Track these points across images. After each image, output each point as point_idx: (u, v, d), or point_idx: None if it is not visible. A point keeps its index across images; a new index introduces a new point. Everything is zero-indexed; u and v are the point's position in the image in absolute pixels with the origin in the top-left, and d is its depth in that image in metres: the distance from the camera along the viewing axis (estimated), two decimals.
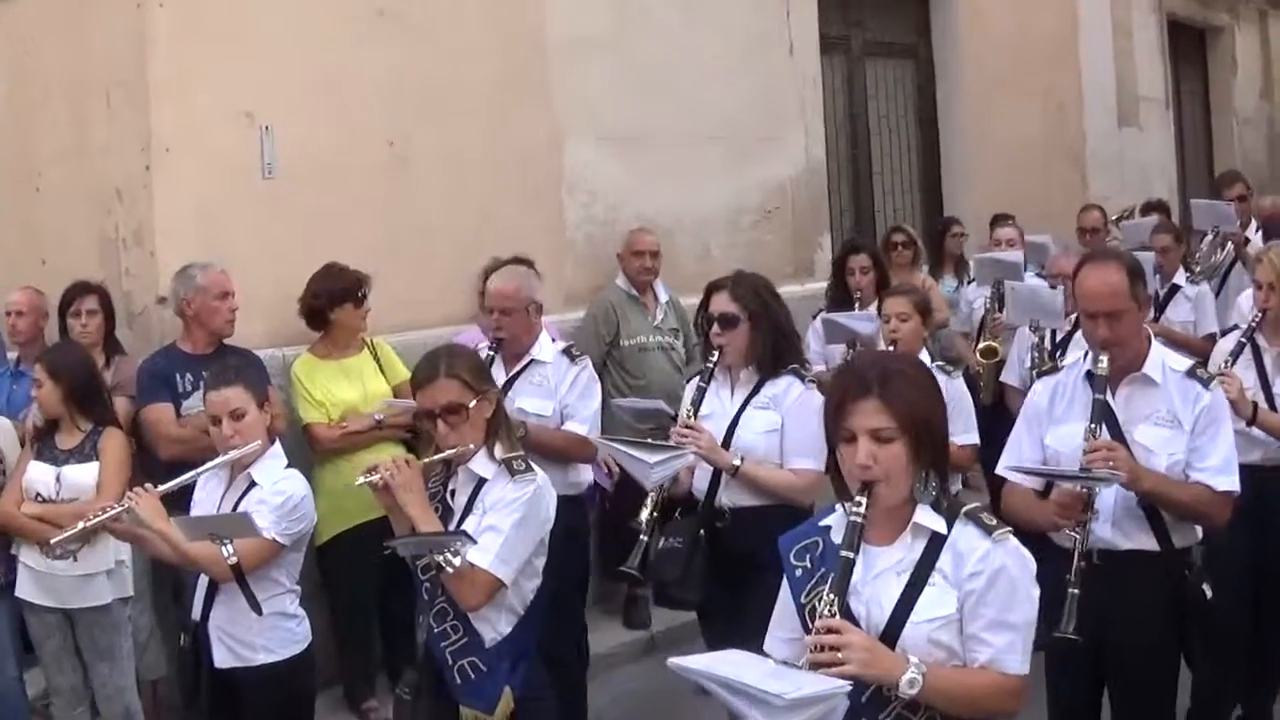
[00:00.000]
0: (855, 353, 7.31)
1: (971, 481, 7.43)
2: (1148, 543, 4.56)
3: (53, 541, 5.15)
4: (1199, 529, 4.67)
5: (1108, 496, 4.48)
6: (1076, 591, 4.34)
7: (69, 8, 7.49)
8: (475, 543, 4.16)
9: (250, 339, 6.92)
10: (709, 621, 5.66)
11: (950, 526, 3.25)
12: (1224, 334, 6.46)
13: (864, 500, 3.17)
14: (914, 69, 12.35)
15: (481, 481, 4.37)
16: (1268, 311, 5.84)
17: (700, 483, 5.43)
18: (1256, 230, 10.60)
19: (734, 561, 5.24)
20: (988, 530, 3.23)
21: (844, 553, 3.16)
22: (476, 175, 8.16)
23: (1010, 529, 3.27)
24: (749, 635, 3.50)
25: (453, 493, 4.44)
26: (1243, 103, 18.46)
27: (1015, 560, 3.22)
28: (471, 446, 4.36)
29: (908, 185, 12.28)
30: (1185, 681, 4.79)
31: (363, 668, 7.09)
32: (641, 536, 5.32)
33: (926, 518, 3.26)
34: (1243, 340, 5.90)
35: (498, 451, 4.40)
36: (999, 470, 4.86)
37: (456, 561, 4.10)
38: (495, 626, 4.30)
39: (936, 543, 3.24)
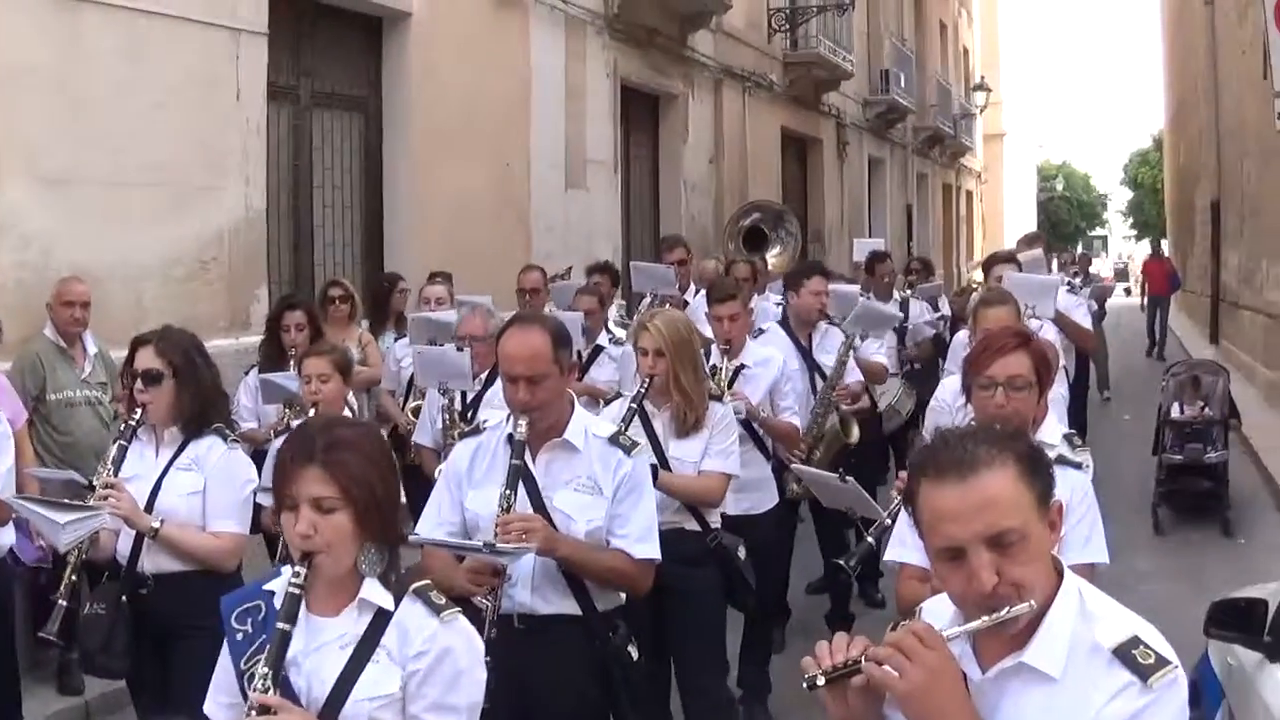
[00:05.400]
0: (292, 413, 7.73)
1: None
2: (569, 606, 4.87)
3: None
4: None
5: (526, 561, 4.72)
6: (486, 659, 4.54)
7: None
8: None
9: None
10: (138, 691, 5.78)
11: (398, 603, 3.37)
12: (608, 402, 7.10)
13: (303, 570, 3.27)
14: (363, 122, 13.11)
15: None
16: (655, 378, 6.20)
17: (124, 546, 5.51)
18: (696, 294, 11.63)
19: (159, 629, 5.42)
20: (436, 609, 3.37)
21: (280, 625, 3.27)
22: None
23: (459, 609, 3.43)
24: (177, 705, 3.84)
25: None
26: (692, 168, 20.17)
27: (462, 641, 3.39)
28: None
29: (349, 239, 12.97)
30: None
31: None
32: (60, 602, 5.44)
33: (373, 592, 3.36)
34: (633, 406, 6.22)
35: None
36: (411, 537, 4.90)
37: None
38: None
39: (382, 618, 3.35)
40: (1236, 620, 5.21)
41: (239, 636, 3.42)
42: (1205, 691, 5.67)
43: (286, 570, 3.38)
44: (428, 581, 3.48)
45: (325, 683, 3.31)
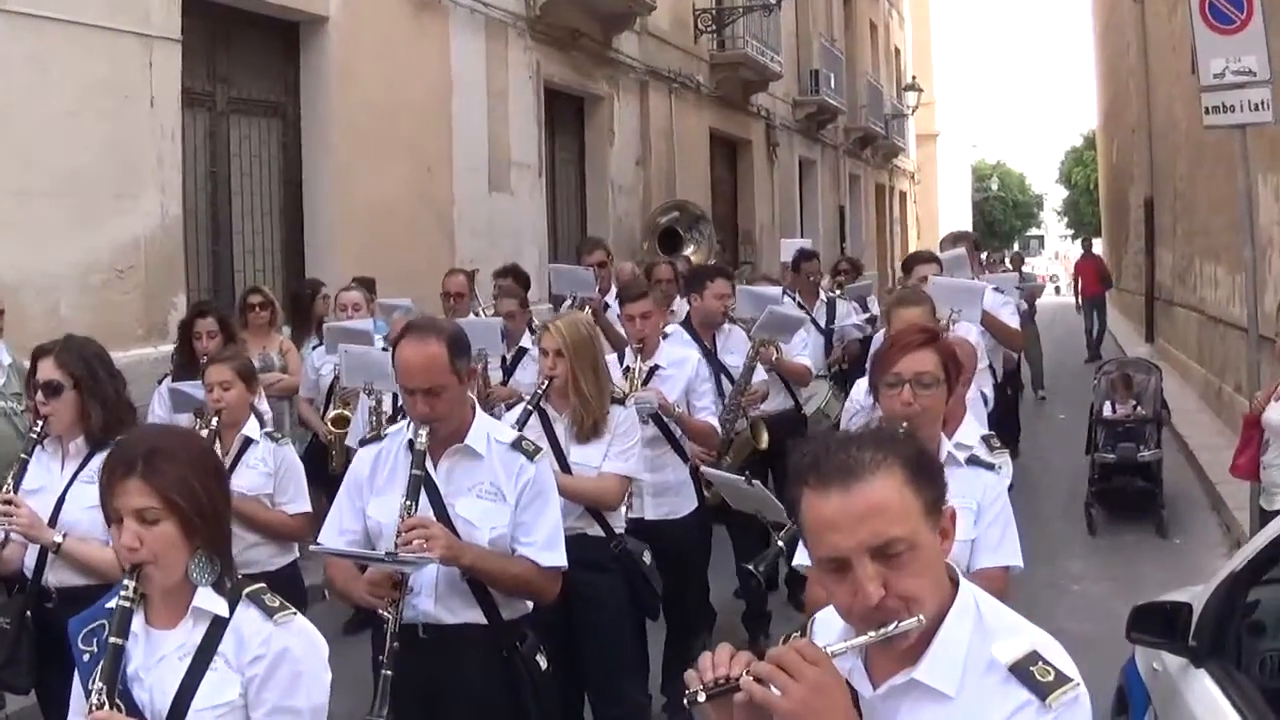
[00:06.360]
0: (203, 422, 7.41)
1: None
2: (474, 616, 4.88)
3: None
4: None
5: (429, 571, 4.73)
6: (389, 673, 4.57)
7: None
8: None
9: None
10: (47, 705, 5.81)
11: (234, 609, 3.42)
12: (511, 407, 7.20)
13: (130, 583, 3.34)
14: (280, 128, 13.18)
15: None
16: (554, 379, 6.25)
17: (31, 560, 5.57)
18: (616, 296, 11.28)
19: (64, 645, 5.31)
20: (269, 612, 3.42)
21: (112, 639, 3.34)
22: None
23: (294, 611, 3.46)
24: None
25: None
26: (619, 170, 20.28)
27: (300, 642, 3.44)
28: None
29: (269, 246, 13.04)
30: None
31: None
32: None
33: (207, 600, 3.40)
34: (529, 408, 6.30)
35: None
36: (313, 547, 5.18)
37: None
38: None
39: (219, 626, 3.40)
40: (1160, 625, 5.19)
41: (86, 657, 3.46)
42: (1132, 696, 5.75)
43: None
44: (262, 585, 3.52)
45: (167, 695, 3.36)
